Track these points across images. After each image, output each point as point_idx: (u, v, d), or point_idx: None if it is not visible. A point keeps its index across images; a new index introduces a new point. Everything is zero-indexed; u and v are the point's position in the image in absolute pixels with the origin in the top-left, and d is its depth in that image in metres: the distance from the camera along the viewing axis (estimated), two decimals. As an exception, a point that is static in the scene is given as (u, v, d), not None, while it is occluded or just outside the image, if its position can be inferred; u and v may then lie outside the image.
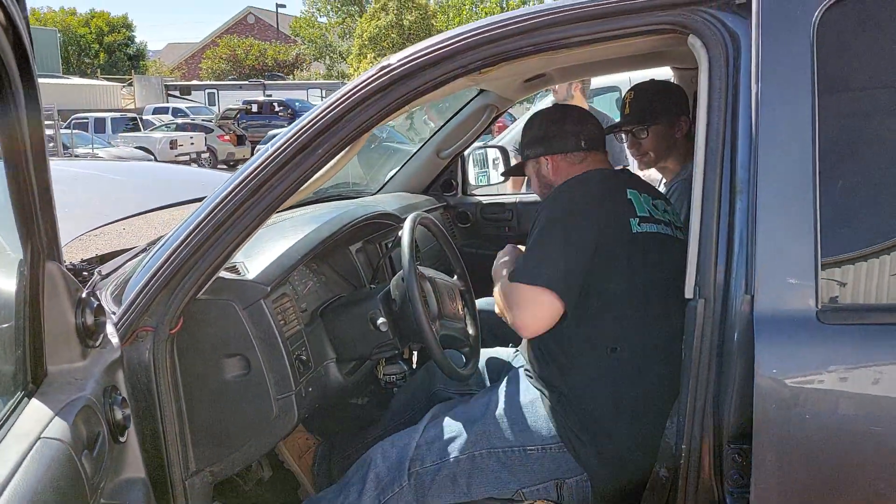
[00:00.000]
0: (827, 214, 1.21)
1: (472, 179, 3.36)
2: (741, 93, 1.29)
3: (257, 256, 1.79)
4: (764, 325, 1.21)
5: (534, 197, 3.27)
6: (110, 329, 1.30)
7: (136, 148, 18.23)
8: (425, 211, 2.84)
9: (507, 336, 2.37)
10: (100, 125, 20.80)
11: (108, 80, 37.06)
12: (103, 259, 2.09)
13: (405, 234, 1.81)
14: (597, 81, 7.72)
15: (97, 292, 1.76)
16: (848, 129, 1.28)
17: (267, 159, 1.50)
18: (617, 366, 1.61)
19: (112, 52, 43.34)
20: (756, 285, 1.23)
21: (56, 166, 2.87)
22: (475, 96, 2.83)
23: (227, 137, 20.76)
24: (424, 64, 1.47)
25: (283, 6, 42.23)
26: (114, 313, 1.57)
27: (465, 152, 3.14)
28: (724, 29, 1.34)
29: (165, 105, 29.11)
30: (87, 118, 20.83)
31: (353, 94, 1.49)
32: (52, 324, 1.11)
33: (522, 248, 1.83)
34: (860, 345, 1.19)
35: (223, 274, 1.64)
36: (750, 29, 1.31)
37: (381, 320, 1.79)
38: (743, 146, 1.28)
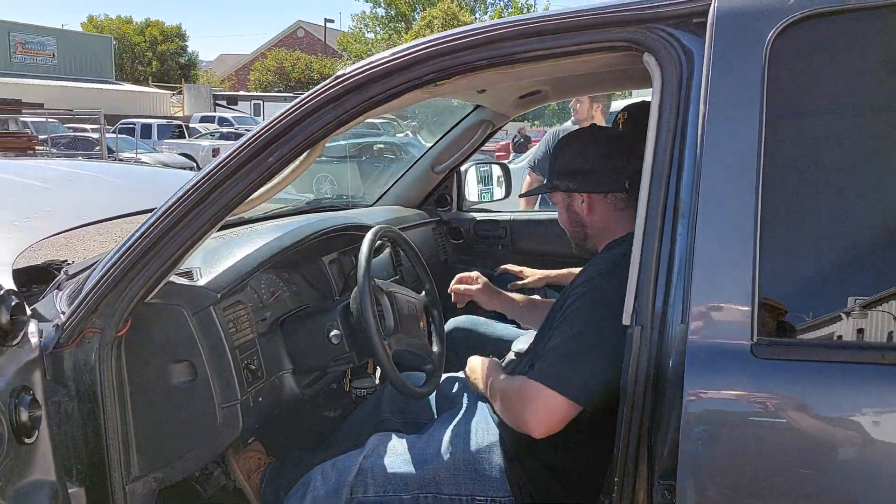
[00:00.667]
0: (769, 244, 1.15)
1: (473, 196, 3.32)
2: (690, 114, 1.24)
3: (215, 263, 1.78)
4: (695, 356, 1.15)
5: (529, 215, 3.23)
6: (32, 328, 1.29)
7: (179, 154, 18.64)
8: (415, 225, 2.82)
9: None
10: (146, 131, 21.32)
11: (158, 87, 38.04)
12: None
13: (364, 246, 1.78)
14: (620, 103, 7.68)
15: (57, 292, 1.77)
16: (797, 156, 1.22)
17: (217, 166, 1.49)
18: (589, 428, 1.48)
19: (165, 60, 44.50)
20: (690, 314, 1.17)
21: (53, 166, 2.93)
22: (471, 112, 2.81)
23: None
24: (377, 75, 1.45)
25: (332, 21, 43.02)
26: (63, 313, 1.58)
27: (462, 168, 3.11)
28: (680, 47, 1.29)
29: (212, 114, 29.70)
30: (133, 123, 21.35)
31: (306, 103, 1.47)
32: (-37, 321, 1.11)
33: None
34: (795, 382, 1.12)
35: (174, 279, 1.63)
36: (703, 49, 1.26)
37: (334, 332, 1.77)
38: (688, 169, 1.22)
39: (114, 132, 19.27)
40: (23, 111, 13.98)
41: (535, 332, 2.35)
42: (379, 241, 2.10)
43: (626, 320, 1.25)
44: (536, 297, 2.39)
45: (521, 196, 3.23)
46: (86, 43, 35.66)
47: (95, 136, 17.45)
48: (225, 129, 23.81)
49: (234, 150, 1.49)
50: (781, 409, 1.12)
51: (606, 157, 1.64)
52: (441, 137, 2.92)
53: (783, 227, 1.17)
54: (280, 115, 1.48)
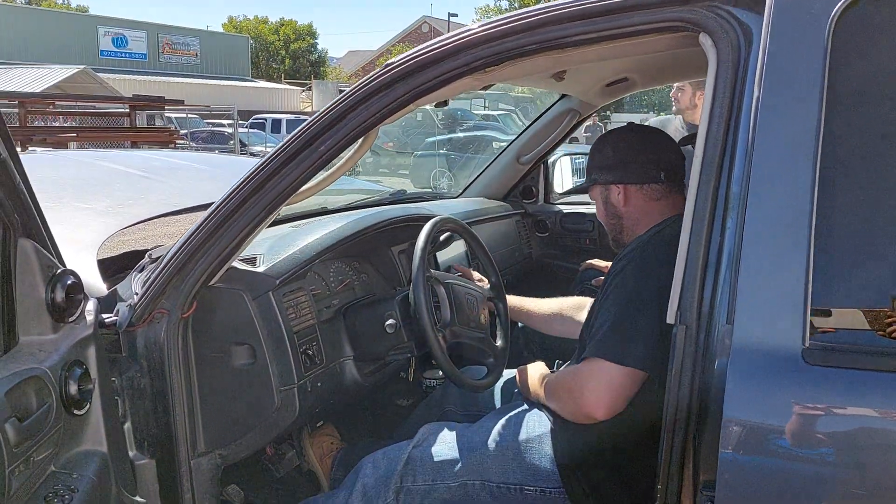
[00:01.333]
0: (825, 242, 1.04)
1: (562, 187, 3.24)
2: (745, 97, 1.14)
3: (279, 251, 1.83)
4: (739, 359, 1.06)
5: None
6: (90, 307, 1.37)
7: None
8: (498, 216, 2.79)
9: (552, 352, 2.26)
10: (276, 125, 22.37)
11: (290, 84, 39.83)
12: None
13: (420, 236, 1.77)
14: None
15: (137, 274, 1.88)
16: (860, 146, 1.09)
17: (272, 156, 1.53)
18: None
19: (296, 58, 46.52)
20: (736, 314, 1.08)
21: (162, 157, 3.12)
22: (556, 101, 2.73)
23: (390, 144, 21.55)
24: (427, 61, 1.43)
25: (456, 15, 43.25)
26: (136, 294, 1.67)
27: (551, 159, 3.04)
28: (738, 25, 1.19)
29: (338, 108, 30.71)
30: (264, 119, 22.48)
31: (356, 92, 1.48)
32: (24, 298, 1.20)
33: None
34: (849, 391, 1.01)
35: (237, 264, 1.69)
36: (761, 28, 1.15)
37: (389, 322, 1.77)
38: (739, 158, 1.12)
39: (246, 127, 20.37)
40: (165, 108, 15.01)
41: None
42: (447, 233, 2.09)
43: (670, 319, 1.18)
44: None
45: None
46: (225, 42, 37.92)
47: (230, 130, 18.51)
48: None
49: (288, 141, 1.52)
50: (832, 420, 1.01)
51: (640, 150, 1.66)
52: (527, 127, 2.86)
53: (841, 224, 1.06)
54: (331, 105, 1.50)
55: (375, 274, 2.13)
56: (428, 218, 2.32)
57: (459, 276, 2.24)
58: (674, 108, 4.51)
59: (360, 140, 1.54)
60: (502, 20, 1.39)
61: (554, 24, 1.34)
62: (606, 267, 2.72)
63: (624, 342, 1.42)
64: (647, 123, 4.68)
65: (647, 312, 1.42)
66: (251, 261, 1.77)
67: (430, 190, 3.26)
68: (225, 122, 20.89)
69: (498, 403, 1.89)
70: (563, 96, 2.70)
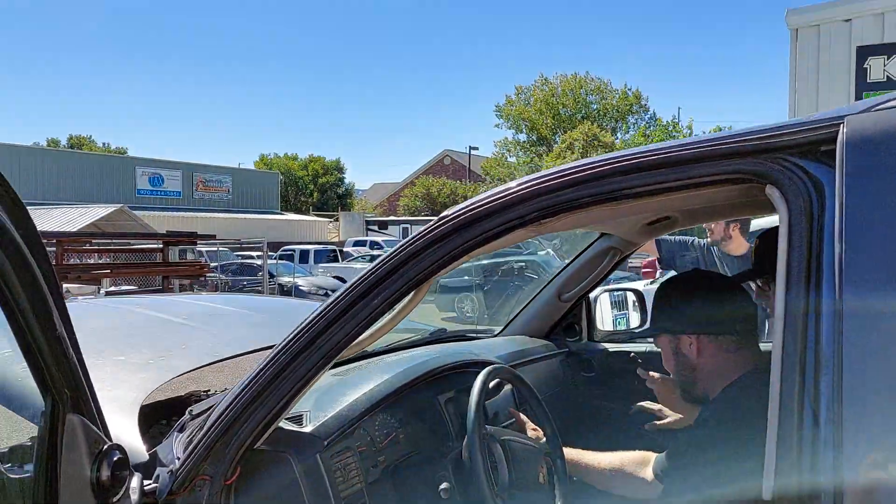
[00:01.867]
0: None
1: (608, 323, 3.16)
2: (825, 253, 1.09)
3: (325, 407, 1.75)
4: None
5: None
6: (135, 483, 1.29)
7: (332, 277, 19.69)
8: (541, 357, 2.70)
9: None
10: (304, 256, 22.83)
11: (318, 215, 40.99)
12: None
13: (474, 390, 1.69)
14: (760, 221, 7.24)
15: (178, 434, 1.80)
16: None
17: (326, 309, 1.49)
18: None
19: (324, 191, 48.14)
20: (845, 496, 0.97)
21: (203, 302, 3.12)
22: (597, 238, 2.71)
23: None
24: (481, 214, 1.42)
25: (476, 148, 44.92)
26: (178, 458, 1.59)
27: (592, 294, 2.98)
28: (808, 178, 1.15)
29: (364, 238, 31.47)
30: (293, 250, 22.96)
31: (413, 244, 1.46)
32: (67, 477, 1.13)
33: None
34: None
35: (284, 424, 1.61)
36: (834, 179, 1.12)
37: (443, 485, 1.65)
38: (827, 317, 1.06)
39: (275, 258, 20.76)
40: (197, 242, 15.41)
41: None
42: (495, 381, 2.01)
43: (766, 495, 1.07)
44: None
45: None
46: (257, 179, 39.49)
47: (259, 262, 18.85)
48: (376, 252, 25.06)
49: (341, 294, 1.49)
50: None
51: (715, 300, 1.62)
52: (567, 264, 2.83)
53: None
54: (387, 256, 1.48)
55: (420, 425, 2.03)
56: (477, 364, 2.25)
57: (512, 422, 2.13)
58: (708, 238, 4.50)
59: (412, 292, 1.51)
60: (559, 172, 1.37)
61: (610, 177, 1.33)
62: (659, 410, 2.59)
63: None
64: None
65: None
66: (297, 419, 1.69)
67: (470, 327, 3.18)
68: (254, 253, 21.34)
69: None
70: (602, 235, 2.68)
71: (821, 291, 1.08)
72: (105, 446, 1.18)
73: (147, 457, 1.62)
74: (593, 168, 1.34)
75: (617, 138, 35.36)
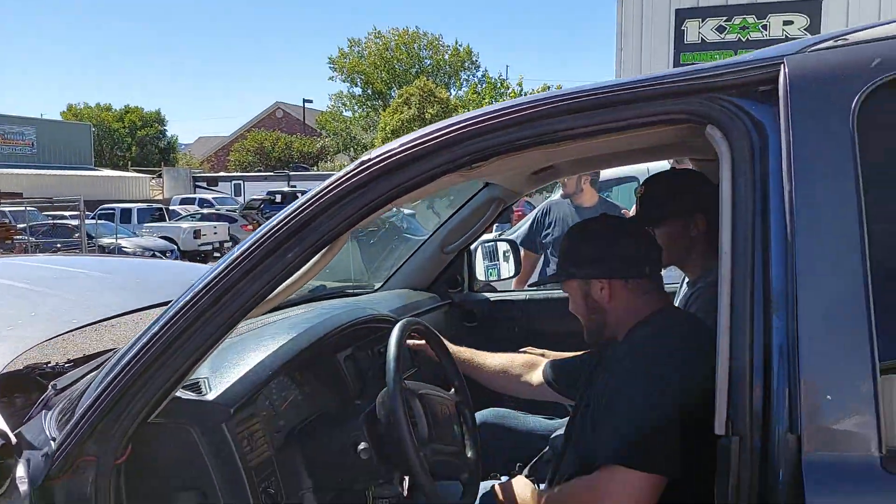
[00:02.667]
0: (889, 331, 1.00)
1: (480, 274, 3.17)
2: (771, 192, 1.10)
3: (224, 371, 1.59)
4: (815, 473, 0.98)
5: (547, 294, 3.07)
6: (21, 472, 1.09)
7: (160, 238, 18.45)
8: (428, 309, 2.65)
9: (512, 458, 2.12)
10: (126, 216, 21.14)
11: (138, 172, 38.08)
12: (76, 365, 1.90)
13: (392, 344, 1.60)
14: (612, 172, 7.67)
15: (46, 412, 1.56)
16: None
17: (232, 264, 1.33)
18: None
19: (144, 145, 44.70)
20: (802, 422, 1.00)
21: (47, 265, 2.75)
22: (481, 189, 2.68)
23: (250, 227, 20.97)
24: (408, 159, 1.31)
25: (311, 101, 43.54)
26: (53, 440, 1.38)
27: (472, 246, 2.97)
28: (748, 118, 1.16)
29: (192, 196, 29.69)
30: (113, 209, 21.20)
31: (329, 192, 1.32)
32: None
33: None
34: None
35: (180, 393, 1.44)
36: (777, 119, 1.13)
37: (362, 446, 1.56)
38: (777, 254, 1.08)
39: (93, 218, 19.10)
40: (1, 201, 13.78)
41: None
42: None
43: (718, 430, 1.09)
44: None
45: (530, 285, 3.07)
46: (65, 131, 35.83)
47: (74, 222, 17.25)
48: (205, 210, 23.76)
49: (250, 247, 1.33)
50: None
51: (623, 243, 1.63)
52: (450, 217, 2.78)
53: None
54: (298, 207, 1.33)
55: (319, 385, 1.91)
56: (377, 320, 2.15)
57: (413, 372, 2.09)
58: (560, 191, 4.64)
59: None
60: (494, 113, 1.30)
61: (548, 118, 1.27)
62: (542, 354, 2.64)
63: (645, 447, 1.36)
64: (539, 207, 4.78)
65: (664, 414, 1.37)
66: (194, 387, 1.52)
67: (349, 283, 3.06)
68: (68, 213, 19.44)
69: None
70: (486, 185, 2.65)
71: (769, 227, 1.09)
72: (-14, 434, 0.97)
73: (14, 440, 1.39)
74: (530, 109, 1.27)
75: (451, 94, 35.74)
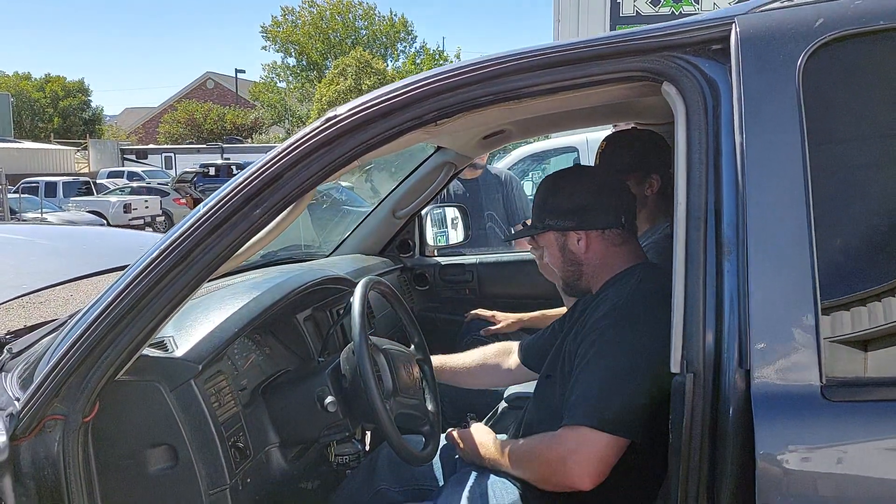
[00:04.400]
0: (828, 275, 1.08)
1: (430, 239, 3.21)
2: (723, 144, 1.18)
3: (189, 330, 1.59)
4: (762, 403, 1.06)
5: (497, 258, 3.14)
6: (-2, 426, 1.09)
7: (88, 212, 17.82)
8: (380, 273, 2.68)
9: (466, 408, 2.18)
10: (50, 189, 20.29)
11: (61, 144, 36.48)
12: (29, 331, 1.87)
13: (356, 301, 1.63)
14: (551, 143, 7.80)
15: (4, 374, 1.54)
16: (845, 179, 1.17)
17: (198, 221, 1.33)
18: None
19: (67, 116, 42.85)
20: (751, 358, 1.08)
21: (-22, 231, 2.65)
22: (432, 153, 2.71)
23: (183, 201, 20.45)
24: (375, 115, 1.33)
25: (243, 71, 42.49)
26: (17, 399, 1.37)
27: (423, 211, 3.00)
28: (701, 76, 1.23)
29: (120, 169, 28.66)
30: (37, 182, 20.33)
31: (295, 148, 1.34)
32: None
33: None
34: (870, 423, 1.05)
35: (147, 351, 1.44)
36: (729, 75, 1.20)
37: (328, 399, 1.60)
38: (728, 202, 1.15)
39: (16, 192, 18.29)
40: None
41: (527, 384, 2.24)
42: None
43: (674, 368, 1.16)
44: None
45: (505, 239, 3.10)
46: (-19, 100, 34.03)
47: (-4, 196, 16.49)
48: (135, 184, 23.00)
49: (216, 203, 1.34)
50: (858, 454, 1.04)
51: (599, 194, 1.62)
52: (402, 181, 2.81)
53: (841, 255, 1.11)
54: (265, 163, 1.34)
55: (278, 346, 1.93)
56: (334, 281, 2.17)
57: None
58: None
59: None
60: (458, 70, 1.33)
61: (512, 75, 1.31)
62: (492, 316, 2.72)
63: (610, 408, 1.37)
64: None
65: (634, 375, 1.39)
66: (160, 345, 1.52)
67: (299, 249, 3.05)
68: (-13, 187, 18.56)
69: (439, 473, 1.77)
70: (438, 149, 2.68)
71: (721, 178, 1.16)
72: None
73: None
74: (494, 66, 1.31)
75: (388, 65, 35.36)
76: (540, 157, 8.35)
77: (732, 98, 1.18)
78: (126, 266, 1.49)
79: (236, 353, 1.76)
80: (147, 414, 1.41)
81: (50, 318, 1.83)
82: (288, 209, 1.40)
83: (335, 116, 1.35)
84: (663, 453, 1.35)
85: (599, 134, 7.29)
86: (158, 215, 19.21)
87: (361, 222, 2.93)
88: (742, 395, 1.09)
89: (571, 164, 8.14)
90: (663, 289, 1.46)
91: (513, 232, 3.81)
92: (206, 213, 1.33)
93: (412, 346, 1.90)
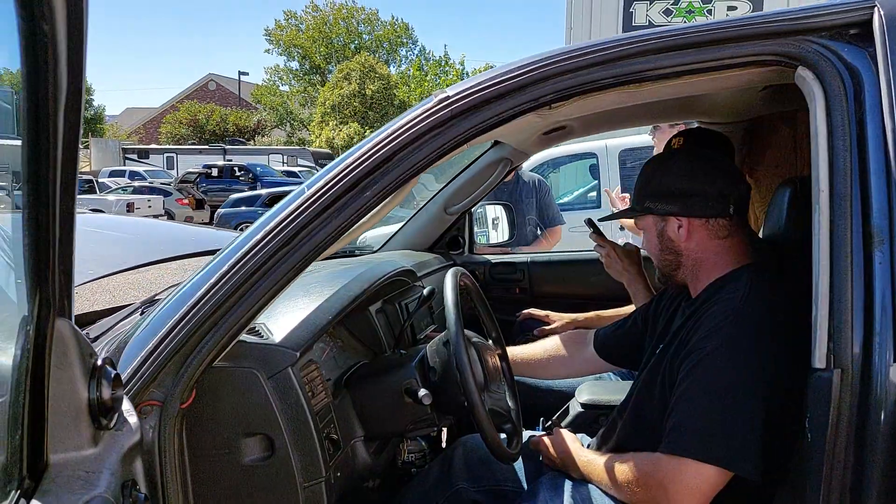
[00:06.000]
0: None
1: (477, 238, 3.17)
2: (868, 130, 1.13)
3: (279, 317, 1.54)
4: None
5: (548, 257, 3.09)
6: (127, 406, 1.04)
7: (90, 210, 17.75)
8: (433, 270, 2.64)
9: (539, 411, 2.13)
10: (53, 187, 20.18)
11: (62, 142, 36.29)
12: (100, 316, 1.81)
13: (449, 291, 1.58)
14: (568, 149, 7.74)
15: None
16: None
17: (305, 202, 1.28)
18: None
19: (68, 114, 42.66)
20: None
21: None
22: (489, 149, 2.67)
23: (185, 201, 20.39)
24: (490, 96, 1.29)
25: (246, 74, 42.59)
26: (109, 385, 1.31)
27: (473, 208, 2.95)
28: (839, 60, 1.18)
29: (122, 168, 28.58)
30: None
31: (408, 129, 1.29)
32: (59, 400, 0.86)
33: None
34: None
35: (244, 337, 1.39)
36: (871, 60, 1.16)
37: (422, 392, 1.54)
38: (877, 190, 1.10)
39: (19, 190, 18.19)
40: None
41: (598, 381, 2.19)
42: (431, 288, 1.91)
43: (819, 363, 1.11)
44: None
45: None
46: (-18, 97, 33.86)
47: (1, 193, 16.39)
48: (137, 183, 22.92)
49: (324, 185, 1.29)
50: None
51: (711, 180, 1.48)
52: (455, 176, 2.76)
53: None
54: (376, 145, 1.30)
55: (349, 338, 1.88)
56: (405, 274, 2.12)
57: (435, 327, 2.05)
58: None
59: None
60: (578, 51, 1.29)
61: (636, 57, 1.27)
62: (546, 316, 2.67)
63: (719, 438, 1.28)
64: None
65: (747, 402, 1.29)
66: (253, 331, 1.47)
67: (352, 246, 3.00)
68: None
69: (521, 475, 1.71)
70: (494, 143, 2.64)
71: (867, 164, 1.12)
72: (99, 360, 0.91)
73: None
74: (617, 47, 1.27)
75: (392, 70, 35.39)
76: (553, 164, 8.30)
77: (879, 83, 1.14)
78: (183, 255, 1.44)
79: (317, 344, 1.70)
80: (243, 402, 1.35)
81: (120, 304, 1.77)
82: (394, 192, 1.36)
83: (447, 98, 1.31)
84: (772, 475, 1.30)
85: (620, 140, 7.28)
86: (161, 215, 19.14)
87: (411, 217, 2.88)
88: None
89: (588, 171, 7.93)
90: (775, 297, 1.40)
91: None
92: (315, 194, 1.29)
93: (490, 342, 1.85)
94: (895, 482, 1.05)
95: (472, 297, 1.86)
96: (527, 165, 7.83)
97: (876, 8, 1.18)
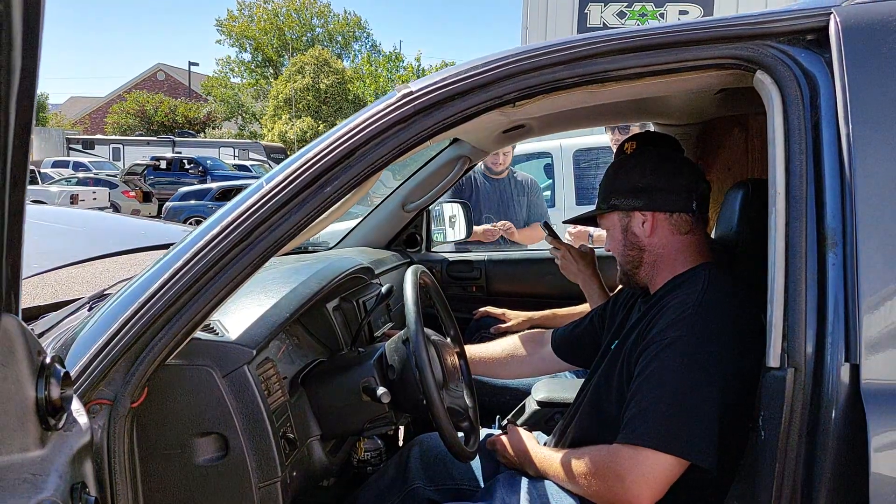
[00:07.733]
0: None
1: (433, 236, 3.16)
2: (824, 134, 1.16)
3: (234, 314, 1.51)
4: (874, 398, 1.04)
5: (506, 255, 3.10)
6: (77, 405, 1.00)
7: (31, 202, 17.14)
8: (390, 268, 2.62)
9: (495, 409, 2.14)
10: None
11: (2, 130, 35.00)
12: (46, 311, 1.74)
13: (409, 289, 1.57)
14: (528, 147, 7.81)
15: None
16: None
17: (264, 197, 1.26)
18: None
19: (8, 102, 41.18)
20: (861, 352, 1.06)
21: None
22: (447, 146, 2.66)
23: (132, 193, 19.87)
24: (453, 93, 1.28)
25: (196, 64, 41.64)
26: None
27: (431, 206, 2.94)
28: (796, 65, 1.21)
29: (66, 159, 27.68)
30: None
31: (371, 124, 1.27)
32: (4, 399, 0.82)
33: None
34: None
35: (199, 334, 1.35)
36: (824, 65, 1.19)
37: (381, 390, 1.52)
38: (832, 193, 1.13)
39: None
40: None
41: (554, 379, 2.20)
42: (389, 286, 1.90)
43: (773, 362, 1.13)
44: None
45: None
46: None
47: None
48: (82, 175, 22.25)
49: (283, 180, 1.26)
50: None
51: (676, 175, 1.52)
52: (413, 173, 2.74)
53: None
54: (338, 140, 1.28)
55: (305, 336, 1.85)
56: (363, 271, 2.10)
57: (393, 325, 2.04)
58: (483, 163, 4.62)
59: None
60: (541, 51, 1.29)
61: (600, 57, 1.28)
62: (502, 314, 2.67)
63: (676, 428, 1.29)
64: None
65: (705, 393, 1.30)
66: (208, 328, 1.43)
67: (307, 242, 2.95)
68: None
69: (478, 473, 1.71)
70: (453, 141, 2.63)
71: (822, 168, 1.15)
72: (48, 358, 0.87)
73: None
74: (582, 47, 1.27)
75: (346, 65, 35.10)
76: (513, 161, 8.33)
77: (834, 88, 1.16)
78: (137, 249, 1.40)
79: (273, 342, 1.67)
80: (197, 400, 1.32)
81: (66, 299, 1.71)
82: (355, 189, 1.34)
83: (410, 93, 1.29)
84: (727, 468, 1.32)
85: (574, 140, 7.37)
86: (106, 207, 18.61)
87: (369, 214, 2.85)
88: (847, 391, 1.07)
89: (543, 170, 7.97)
90: (733, 294, 1.43)
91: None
92: (274, 188, 1.26)
93: (448, 339, 1.84)
94: (845, 478, 1.07)
95: (432, 295, 1.84)
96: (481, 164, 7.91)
97: (832, 15, 1.21)
